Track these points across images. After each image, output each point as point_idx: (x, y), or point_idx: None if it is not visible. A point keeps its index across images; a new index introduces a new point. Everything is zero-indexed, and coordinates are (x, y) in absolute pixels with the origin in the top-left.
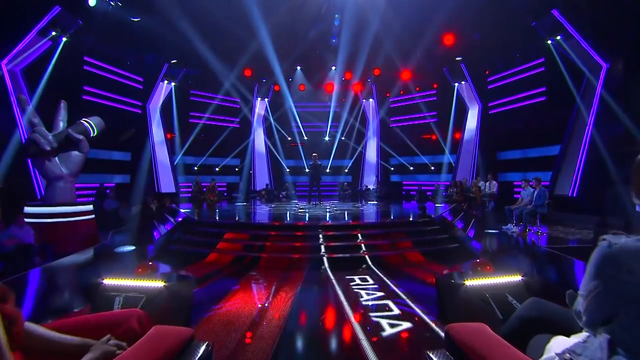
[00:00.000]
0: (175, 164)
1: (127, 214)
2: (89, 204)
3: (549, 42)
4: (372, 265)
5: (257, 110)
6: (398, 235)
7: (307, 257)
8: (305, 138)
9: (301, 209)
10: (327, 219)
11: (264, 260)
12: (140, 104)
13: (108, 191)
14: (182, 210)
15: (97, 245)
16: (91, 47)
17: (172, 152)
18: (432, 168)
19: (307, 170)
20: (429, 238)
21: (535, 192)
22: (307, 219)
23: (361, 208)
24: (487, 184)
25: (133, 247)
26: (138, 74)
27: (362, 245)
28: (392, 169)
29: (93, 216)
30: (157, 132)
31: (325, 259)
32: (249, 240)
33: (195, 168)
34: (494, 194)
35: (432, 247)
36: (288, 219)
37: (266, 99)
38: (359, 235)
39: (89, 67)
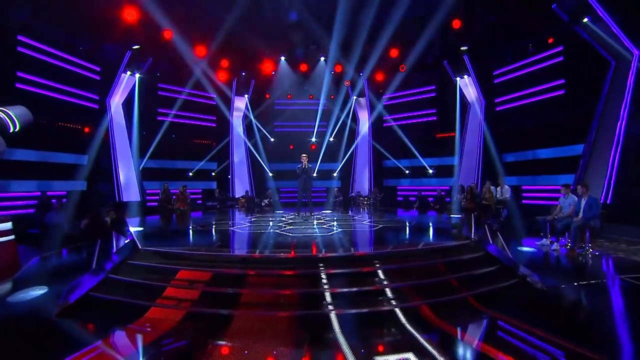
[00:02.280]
0: (140, 168)
1: (73, 229)
2: (6, 221)
3: (573, 26)
4: (409, 327)
5: (235, 107)
6: (435, 270)
7: (304, 314)
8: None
9: (289, 223)
10: (328, 245)
11: (238, 320)
12: (97, 97)
13: (54, 201)
14: (131, 229)
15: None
16: (27, 23)
17: (137, 155)
18: (431, 171)
19: (296, 172)
20: (477, 273)
21: (584, 202)
22: (299, 245)
23: (364, 221)
24: (499, 189)
25: (44, 290)
26: (94, 62)
27: (387, 289)
28: (385, 173)
29: (12, 237)
30: (119, 131)
31: (333, 316)
32: (215, 285)
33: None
34: (507, 200)
35: (484, 286)
36: (273, 245)
37: (246, 95)
38: (380, 272)
39: (25, 48)
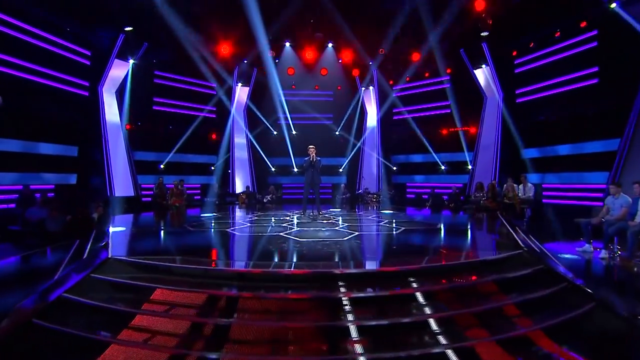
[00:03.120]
0: (134, 160)
1: (56, 226)
2: None
3: (613, 4)
4: None
5: (237, 97)
6: (486, 290)
7: None
8: (294, 132)
9: (293, 223)
10: (345, 256)
11: None
12: (87, 84)
13: (38, 195)
14: (111, 229)
15: None
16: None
17: (131, 146)
18: (443, 168)
19: (296, 169)
20: (540, 296)
21: None
22: (309, 255)
23: (381, 223)
24: (521, 187)
25: None
26: (83, 45)
27: (431, 320)
28: (395, 168)
29: None
30: (112, 121)
31: None
32: (202, 312)
33: (162, 166)
34: (531, 199)
35: (554, 314)
36: (276, 254)
37: (248, 84)
38: (418, 295)
39: (3, 27)
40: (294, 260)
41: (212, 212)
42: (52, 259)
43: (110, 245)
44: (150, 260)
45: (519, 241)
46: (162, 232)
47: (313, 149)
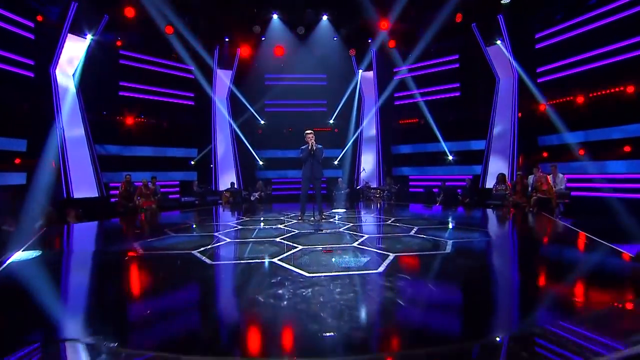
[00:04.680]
0: (99, 155)
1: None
2: None
3: None
4: None
5: (218, 82)
6: None
7: None
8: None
9: (293, 237)
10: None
11: None
12: (32, 63)
13: None
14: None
15: None
16: None
17: (93, 139)
18: (450, 158)
19: (300, 157)
20: None
21: None
22: (327, 323)
23: (408, 229)
24: (550, 178)
25: None
26: (25, 15)
27: None
28: (395, 159)
29: None
30: (70, 110)
31: None
32: None
33: (132, 162)
34: (566, 193)
35: None
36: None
37: (231, 67)
38: None
39: None
40: (300, 342)
41: (189, 217)
42: None
43: None
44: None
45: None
46: (92, 258)
47: (311, 135)
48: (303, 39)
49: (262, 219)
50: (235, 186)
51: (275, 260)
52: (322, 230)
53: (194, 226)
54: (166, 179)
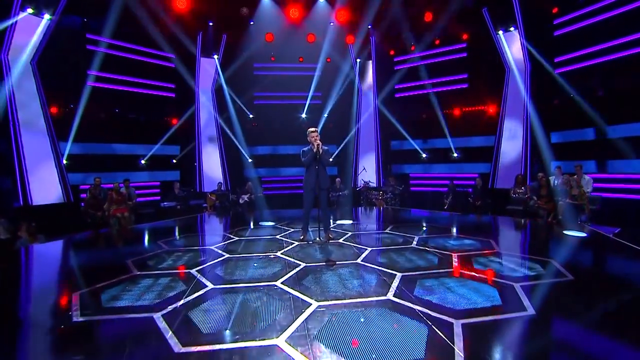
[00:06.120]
0: (65, 155)
1: None
2: None
3: None
4: None
5: (202, 71)
6: None
7: None
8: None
9: (302, 275)
10: None
11: None
12: None
13: None
14: None
15: None
16: None
17: (57, 136)
18: (455, 155)
19: (303, 161)
20: None
21: None
22: None
23: (451, 260)
24: (573, 180)
25: None
26: None
27: None
28: (394, 157)
29: None
30: (27, 103)
31: None
32: None
33: (106, 161)
34: (596, 198)
35: None
36: None
37: (216, 56)
38: None
39: None
40: None
41: (164, 236)
42: None
43: None
44: None
45: None
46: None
47: (316, 134)
48: (296, 23)
49: (254, 239)
50: (223, 187)
51: (282, 341)
52: (333, 263)
53: (167, 260)
54: (144, 180)
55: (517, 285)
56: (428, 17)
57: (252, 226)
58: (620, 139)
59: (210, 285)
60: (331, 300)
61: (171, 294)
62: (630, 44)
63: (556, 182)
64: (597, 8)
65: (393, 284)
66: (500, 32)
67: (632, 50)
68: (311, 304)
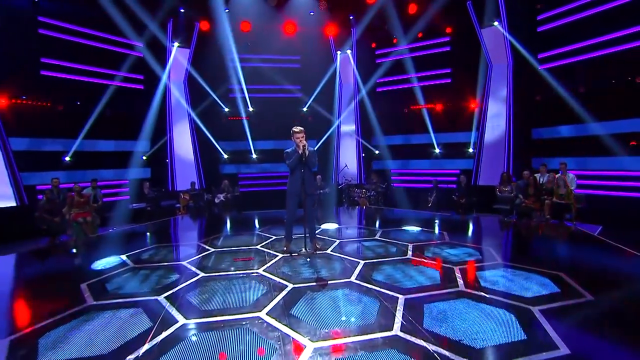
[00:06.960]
0: (16, 152)
1: None
2: None
3: None
4: None
5: (173, 62)
6: None
7: None
8: (251, 109)
9: (290, 302)
10: None
11: None
12: None
13: None
14: None
15: None
16: None
17: (6, 132)
18: (437, 151)
19: (286, 163)
20: None
21: None
22: None
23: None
24: (557, 177)
25: None
26: None
27: None
28: (378, 152)
29: None
30: None
31: None
32: None
33: (67, 158)
34: (581, 197)
35: None
36: None
37: (188, 45)
38: None
39: None
40: None
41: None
42: None
43: None
44: None
45: None
46: None
47: (302, 135)
48: (275, 11)
49: (230, 249)
50: (197, 186)
51: None
52: (325, 283)
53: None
54: (110, 178)
55: (539, 316)
56: (412, 9)
57: (229, 232)
58: (603, 136)
59: (181, 320)
60: (329, 339)
61: (133, 335)
62: (613, 41)
63: (542, 179)
64: (580, 5)
65: (397, 313)
66: (485, 27)
67: (615, 48)
68: (306, 346)
